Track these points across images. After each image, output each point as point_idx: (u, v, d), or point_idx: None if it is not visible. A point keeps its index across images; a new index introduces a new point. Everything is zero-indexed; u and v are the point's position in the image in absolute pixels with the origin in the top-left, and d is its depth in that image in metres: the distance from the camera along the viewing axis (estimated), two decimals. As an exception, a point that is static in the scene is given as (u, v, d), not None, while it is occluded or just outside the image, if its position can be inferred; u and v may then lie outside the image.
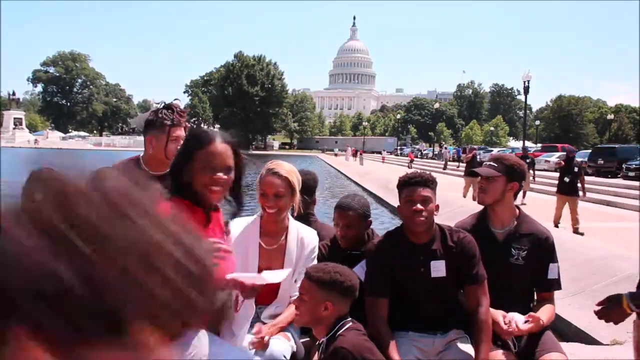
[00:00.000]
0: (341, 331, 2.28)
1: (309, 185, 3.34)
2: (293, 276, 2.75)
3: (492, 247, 2.79)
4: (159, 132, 2.99)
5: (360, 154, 49.01)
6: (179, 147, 2.96)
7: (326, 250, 2.98)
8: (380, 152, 63.90)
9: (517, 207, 2.90)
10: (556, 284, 2.82)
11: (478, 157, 16.83)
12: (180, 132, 3.06)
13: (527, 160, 14.48)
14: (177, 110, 3.08)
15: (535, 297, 2.89)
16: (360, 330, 2.35)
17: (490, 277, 2.68)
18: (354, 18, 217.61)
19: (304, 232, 2.86)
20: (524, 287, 2.84)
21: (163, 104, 3.14)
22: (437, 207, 2.70)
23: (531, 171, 15.61)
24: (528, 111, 62.51)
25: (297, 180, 2.73)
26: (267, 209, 2.69)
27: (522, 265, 2.78)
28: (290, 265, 2.76)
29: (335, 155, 67.39)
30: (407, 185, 2.66)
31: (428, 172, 2.74)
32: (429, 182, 2.66)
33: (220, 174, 2.07)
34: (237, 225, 2.63)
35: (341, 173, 34.16)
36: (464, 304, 2.72)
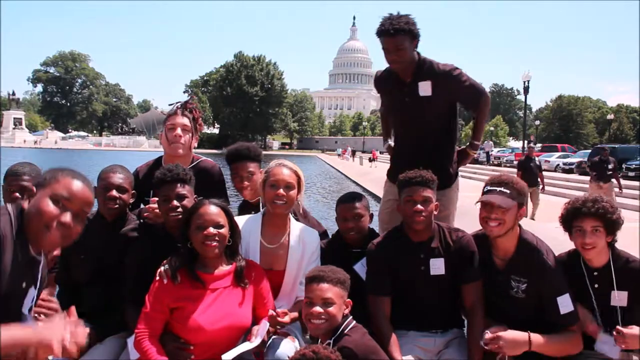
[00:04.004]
0: (347, 330, 2.31)
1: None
2: (297, 277, 2.77)
3: (492, 277, 2.65)
4: (163, 126, 3.18)
5: (358, 154, 49.61)
6: (175, 134, 3.03)
7: (327, 249, 2.99)
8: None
9: (519, 225, 2.68)
10: (573, 317, 2.51)
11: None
12: (178, 120, 3.13)
13: (610, 166, 11.89)
14: (182, 103, 3.22)
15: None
16: (364, 330, 2.38)
17: (490, 309, 2.65)
18: (354, 18, 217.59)
19: (306, 232, 2.87)
20: (525, 324, 2.53)
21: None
22: (437, 206, 2.72)
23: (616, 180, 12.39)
24: (528, 111, 62.46)
25: (302, 176, 2.80)
26: (276, 201, 2.69)
27: (522, 299, 2.59)
28: (293, 264, 2.77)
29: (339, 155, 66.83)
30: (408, 185, 2.67)
31: (429, 172, 2.73)
32: (430, 182, 2.67)
33: (211, 229, 2.39)
34: (239, 223, 2.65)
35: (341, 173, 34.16)
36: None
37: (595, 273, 2.59)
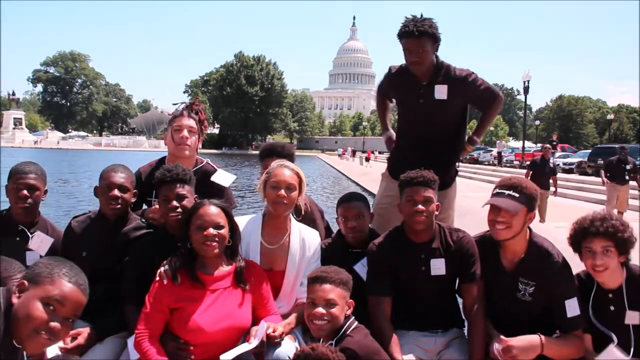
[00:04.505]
0: (349, 331, 2.31)
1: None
2: (297, 278, 2.76)
3: (499, 279, 2.63)
4: (169, 126, 3.18)
5: (358, 154, 50.12)
6: (182, 136, 3.03)
7: (327, 249, 2.98)
8: (373, 152, 63.98)
9: (529, 228, 2.64)
10: (579, 321, 2.48)
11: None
12: (184, 122, 3.12)
13: (629, 167, 10.71)
14: (187, 104, 3.24)
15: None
16: (366, 331, 2.38)
17: (495, 311, 2.65)
18: (354, 18, 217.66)
19: (306, 233, 2.86)
20: (533, 326, 2.51)
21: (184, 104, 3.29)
22: (438, 206, 2.72)
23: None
24: (528, 111, 62.38)
25: (304, 177, 2.80)
26: (277, 202, 2.69)
27: (528, 302, 2.56)
28: (293, 265, 2.77)
29: (339, 156, 66.72)
30: (409, 185, 2.67)
31: (430, 172, 2.73)
32: (431, 182, 2.67)
33: (211, 230, 2.38)
34: (240, 223, 2.65)
35: (341, 173, 34.17)
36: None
37: (610, 295, 2.47)
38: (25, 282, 1.74)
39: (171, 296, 2.38)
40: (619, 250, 2.40)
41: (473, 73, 3.31)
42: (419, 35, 3.07)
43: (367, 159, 46.37)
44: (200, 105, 3.29)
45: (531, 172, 11.28)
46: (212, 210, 2.44)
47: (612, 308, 2.46)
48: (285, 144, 3.44)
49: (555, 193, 11.74)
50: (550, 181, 11.42)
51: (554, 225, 10.30)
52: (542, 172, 11.25)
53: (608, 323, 2.47)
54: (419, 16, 3.16)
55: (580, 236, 2.45)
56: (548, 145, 13.09)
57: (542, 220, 10.79)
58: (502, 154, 33.82)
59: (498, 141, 37.21)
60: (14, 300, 1.73)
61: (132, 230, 2.81)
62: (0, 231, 2.81)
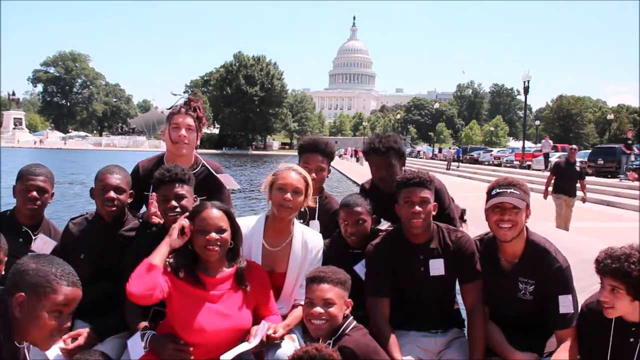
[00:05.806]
0: (347, 330, 2.31)
1: None
2: (298, 280, 2.75)
3: (499, 280, 2.63)
4: (166, 123, 3.15)
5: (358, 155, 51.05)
6: (180, 134, 3.00)
7: (328, 249, 2.97)
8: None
9: (526, 227, 2.62)
10: (569, 319, 2.46)
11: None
12: (182, 119, 3.08)
13: None
14: (185, 100, 3.19)
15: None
16: (365, 330, 2.38)
17: (498, 312, 2.65)
18: (354, 18, 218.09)
19: (309, 236, 2.85)
20: (536, 325, 2.57)
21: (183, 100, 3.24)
22: (435, 206, 2.71)
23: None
24: (528, 111, 62.45)
25: (310, 182, 2.77)
26: (283, 205, 2.66)
27: (530, 301, 2.57)
28: (295, 267, 2.76)
29: (340, 156, 66.60)
30: (406, 186, 2.67)
31: (426, 173, 2.73)
32: (427, 183, 2.67)
33: (213, 234, 2.37)
34: (242, 225, 2.64)
35: (341, 173, 34.18)
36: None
37: (633, 329, 2.31)
38: (24, 295, 1.78)
39: (172, 282, 2.36)
40: (630, 294, 2.21)
41: (440, 189, 3.06)
42: (385, 151, 3.06)
43: (357, 159, 47.83)
44: (199, 101, 3.23)
45: (554, 177, 10.48)
46: (215, 213, 2.42)
47: (631, 340, 2.31)
48: (328, 140, 3.36)
49: (584, 199, 10.62)
50: (578, 185, 10.36)
51: (554, 224, 10.31)
52: (566, 176, 10.30)
53: (622, 354, 2.33)
54: (382, 133, 3.18)
55: (598, 269, 2.32)
56: (574, 147, 11.98)
57: (566, 228, 9.94)
58: (551, 156, 27.06)
59: (543, 140, 31.00)
60: (17, 314, 1.78)
61: (129, 231, 2.81)
62: (4, 232, 2.81)
